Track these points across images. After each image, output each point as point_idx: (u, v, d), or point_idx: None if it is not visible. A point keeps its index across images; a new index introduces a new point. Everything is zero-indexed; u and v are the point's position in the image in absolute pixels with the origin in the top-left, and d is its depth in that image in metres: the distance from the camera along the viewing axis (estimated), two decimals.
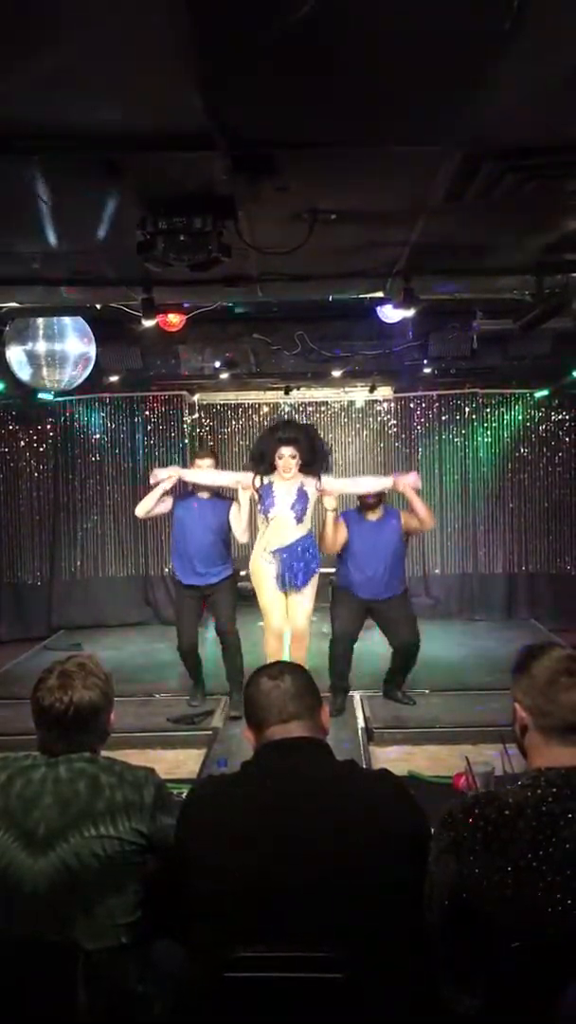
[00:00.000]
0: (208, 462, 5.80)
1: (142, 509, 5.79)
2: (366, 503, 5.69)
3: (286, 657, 5.18)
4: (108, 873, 1.91)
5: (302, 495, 5.34)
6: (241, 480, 5.54)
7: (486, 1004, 1.60)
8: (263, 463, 5.39)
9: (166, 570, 8.79)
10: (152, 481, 5.70)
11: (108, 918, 1.90)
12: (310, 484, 5.37)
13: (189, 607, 5.84)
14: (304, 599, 5.44)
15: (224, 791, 1.91)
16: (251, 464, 5.53)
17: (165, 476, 5.65)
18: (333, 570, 5.93)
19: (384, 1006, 1.67)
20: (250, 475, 5.47)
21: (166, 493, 5.70)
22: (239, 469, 9.14)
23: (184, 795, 2.02)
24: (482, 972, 1.61)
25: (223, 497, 5.83)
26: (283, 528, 5.35)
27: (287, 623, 5.46)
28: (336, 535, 5.56)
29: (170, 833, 1.97)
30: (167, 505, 5.79)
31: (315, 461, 5.38)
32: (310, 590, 5.46)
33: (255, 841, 1.75)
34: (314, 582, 5.49)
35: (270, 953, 1.63)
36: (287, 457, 5.29)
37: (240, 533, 5.66)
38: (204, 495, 5.79)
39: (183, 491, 5.99)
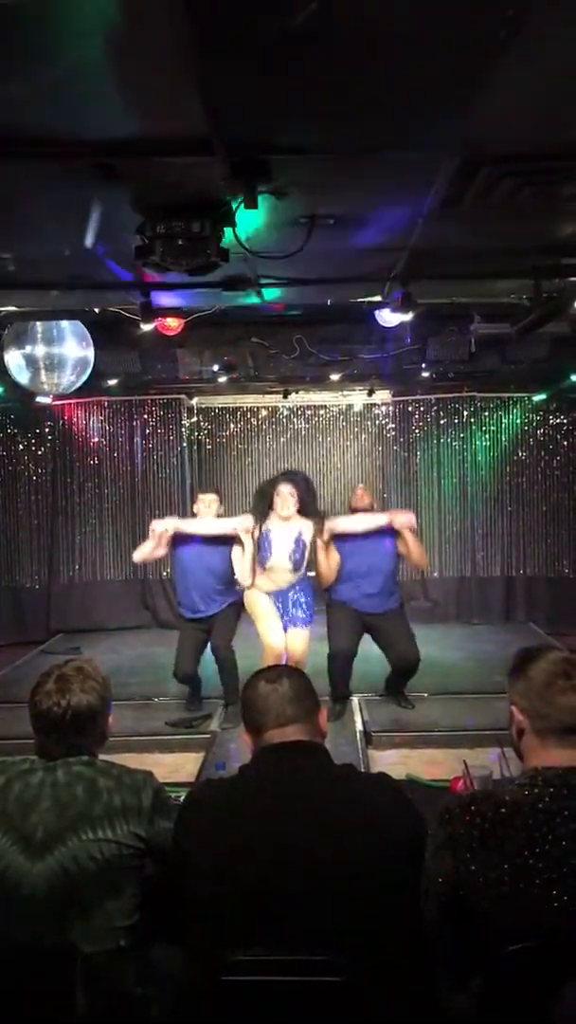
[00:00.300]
0: (211, 497, 5.78)
1: (139, 555, 5.81)
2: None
3: None
4: (106, 876, 1.91)
5: (299, 543, 5.37)
6: (239, 526, 5.49)
7: (483, 1002, 1.61)
8: (262, 502, 5.46)
9: (164, 574, 8.79)
10: (150, 533, 5.67)
11: (106, 921, 1.91)
12: (308, 531, 5.39)
13: (192, 638, 5.78)
14: (302, 629, 5.47)
15: (222, 795, 1.91)
16: (252, 509, 5.56)
17: (162, 529, 5.62)
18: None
19: (383, 1009, 1.67)
20: (250, 519, 5.46)
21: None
22: (237, 474, 9.25)
23: (182, 799, 2.02)
24: (478, 970, 1.61)
25: (224, 539, 5.67)
26: (280, 575, 5.38)
27: (284, 646, 5.46)
28: (329, 560, 5.55)
29: (168, 837, 1.98)
30: (164, 550, 5.74)
31: (312, 507, 5.47)
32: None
33: (253, 845, 1.75)
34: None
35: (268, 956, 1.63)
36: (285, 494, 5.35)
37: (244, 576, 5.54)
38: (198, 540, 5.71)
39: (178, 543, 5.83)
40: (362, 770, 3.82)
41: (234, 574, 5.58)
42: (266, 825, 1.77)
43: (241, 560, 5.50)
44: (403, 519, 5.64)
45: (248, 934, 1.68)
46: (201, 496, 5.84)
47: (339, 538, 5.58)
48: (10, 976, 1.80)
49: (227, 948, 1.65)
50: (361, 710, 5.82)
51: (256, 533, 5.38)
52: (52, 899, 1.87)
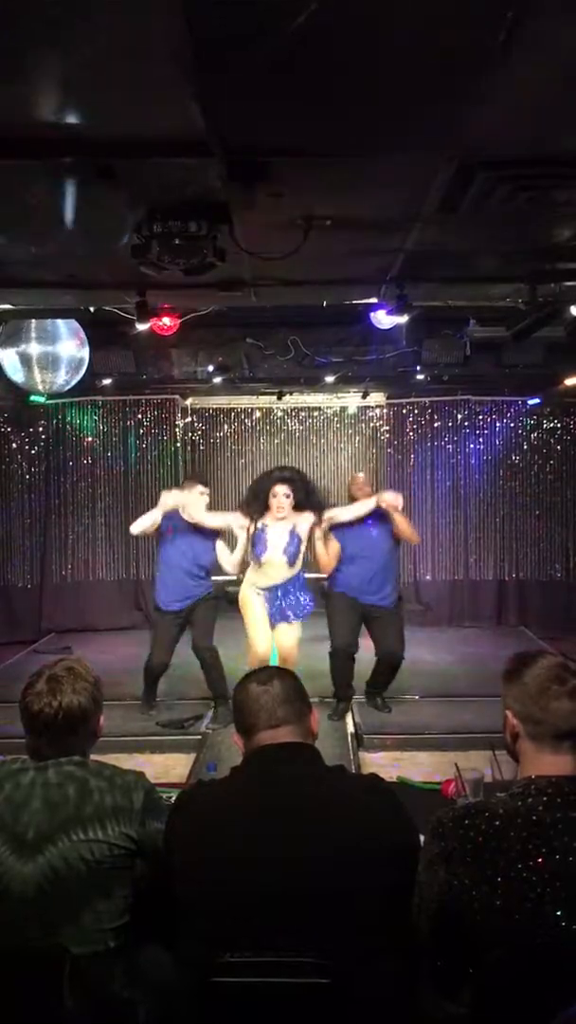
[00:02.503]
0: (206, 489, 5.73)
1: (138, 528, 5.72)
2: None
3: None
4: (96, 877, 1.90)
5: (294, 537, 5.32)
6: (235, 524, 5.46)
7: (471, 1013, 1.60)
8: (257, 501, 5.38)
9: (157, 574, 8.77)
10: (160, 504, 5.64)
11: (96, 922, 1.90)
12: (302, 524, 5.34)
13: (170, 631, 5.75)
14: (294, 627, 5.44)
15: (213, 797, 1.91)
16: (244, 506, 5.47)
17: (171, 504, 5.60)
18: (323, 575, 5.89)
19: (370, 1012, 1.67)
20: (242, 519, 5.41)
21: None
22: (230, 475, 9.25)
23: (173, 799, 2.02)
24: (469, 982, 1.61)
25: (212, 531, 5.67)
26: (274, 571, 5.34)
27: (275, 645, 5.45)
28: (328, 549, 5.56)
29: (159, 838, 1.97)
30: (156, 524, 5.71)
31: (308, 502, 5.40)
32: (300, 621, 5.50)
33: (243, 847, 1.75)
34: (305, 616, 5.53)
35: (257, 958, 1.62)
36: (281, 496, 5.27)
37: (231, 567, 5.56)
38: (188, 528, 5.69)
39: (169, 524, 5.79)
40: (353, 772, 3.81)
41: (213, 565, 5.64)
42: (256, 827, 1.77)
43: (226, 552, 5.54)
44: (389, 497, 5.66)
45: (236, 936, 1.68)
46: (198, 487, 5.72)
47: (337, 527, 5.60)
48: None
49: (216, 950, 1.64)
50: (353, 712, 5.82)
51: (251, 529, 5.35)
52: (42, 900, 1.86)
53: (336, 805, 1.80)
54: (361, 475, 6.48)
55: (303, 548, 5.39)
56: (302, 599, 5.40)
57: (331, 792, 1.84)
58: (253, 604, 5.40)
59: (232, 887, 1.72)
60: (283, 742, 1.89)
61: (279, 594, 5.37)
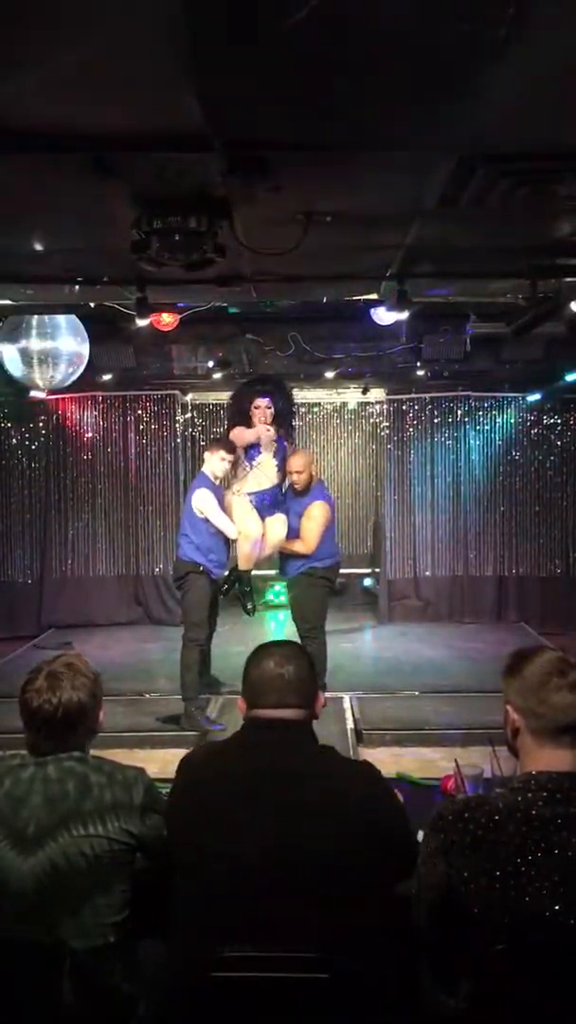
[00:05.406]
0: (222, 454, 5.69)
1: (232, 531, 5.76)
2: (294, 489, 5.70)
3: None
4: (96, 872, 1.91)
5: (281, 445, 5.75)
6: (229, 533, 5.65)
7: (470, 1007, 1.61)
8: (239, 415, 5.78)
9: (157, 570, 8.78)
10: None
11: (95, 917, 1.90)
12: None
13: (215, 596, 5.80)
14: (280, 520, 5.70)
15: (211, 772, 1.95)
16: (230, 421, 5.86)
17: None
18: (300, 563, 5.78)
19: (368, 1006, 1.67)
20: (235, 531, 5.62)
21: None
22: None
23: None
24: (467, 975, 1.62)
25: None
26: (265, 473, 5.66)
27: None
28: (320, 525, 5.58)
29: (159, 833, 1.98)
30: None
31: (288, 412, 5.84)
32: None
33: (235, 829, 1.78)
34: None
35: (255, 953, 1.63)
36: (263, 407, 5.64)
37: (245, 561, 5.76)
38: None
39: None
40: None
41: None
42: (249, 805, 1.80)
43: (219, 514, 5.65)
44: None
45: (232, 925, 1.70)
46: (221, 451, 5.70)
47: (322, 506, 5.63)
48: None
49: (213, 943, 1.65)
50: (352, 707, 5.82)
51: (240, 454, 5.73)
52: (42, 895, 1.87)
53: (331, 790, 1.83)
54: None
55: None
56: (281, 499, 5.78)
57: (324, 775, 1.88)
58: (241, 502, 5.69)
59: (223, 876, 1.74)
60: (283, 718, 1.93)
61: (267, 498, 5.70)
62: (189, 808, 1.89)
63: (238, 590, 5.85)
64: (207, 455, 5.80)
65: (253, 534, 5.64)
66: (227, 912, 1.73)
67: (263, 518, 5.69)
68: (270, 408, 5.65)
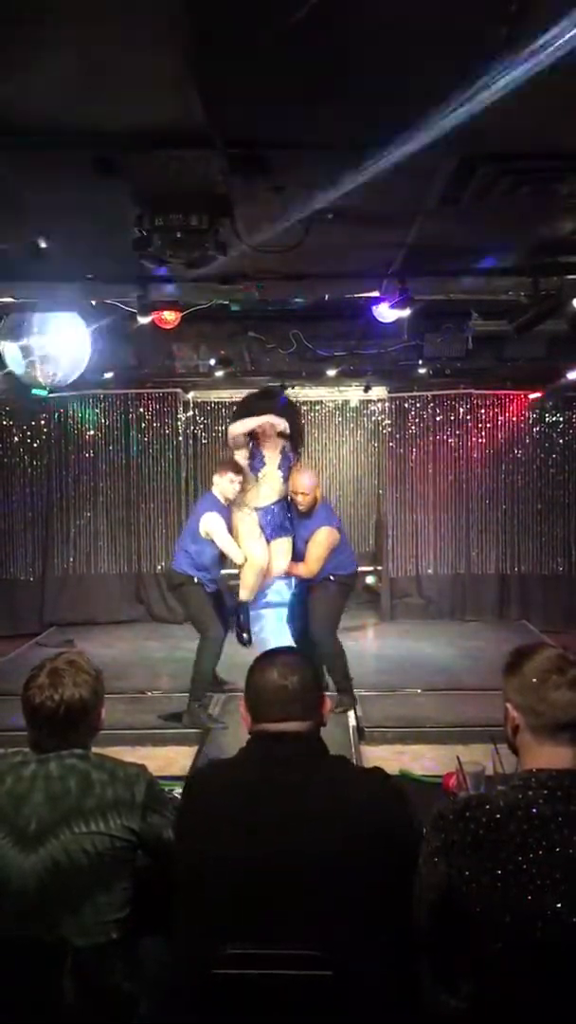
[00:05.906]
0: (231, 476, 5.70)
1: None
2: (298, 511, 5.71)
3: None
4: (98, 870, 1.91)
5: (286, 458, 5.73)
6: (235, 557, 5.69)
7: (472, 1006, 1.61)
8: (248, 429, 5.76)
9: (158, 568, 8.78)
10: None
11: (96, 915, 1.91)
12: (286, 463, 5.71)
13: (219, 603, 5.85)
14: (284, 547, 5.69)
15: (218, 785, 1.92)
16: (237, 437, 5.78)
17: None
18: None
19: (370, 1005, 1.67)
20: (242, 557, 5.65)
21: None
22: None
23: (175, 792, 2.03)
24: (468, 975, 1.62)
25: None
26: (270, 486, 5.64)
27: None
28: (325, 550, 5.56)
29: (160, 830, 1.99)
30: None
31: (295, 431, 5.87)
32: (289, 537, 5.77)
33: (243, 833, 1.76)
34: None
35: (257, 950, 1.63)
36: (269, 426, 5.67)
37: (245, 591, 5.78)
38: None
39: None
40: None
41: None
42: (257, 814, 1.78)
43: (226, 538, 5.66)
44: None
45: (235, 928, 1.69)
46: (229, 473, 5.70)
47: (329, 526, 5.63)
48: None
49: (216, 941, 1.65)
50: (354, 705, 5.82)
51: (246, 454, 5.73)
52: (43, 892, 1.87)
53: (337, 797, 1.81)
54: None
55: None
56: (289, 520, 5.75)
57: (332, 783, 1.85)
58: (248, 521, 5.67)
59: (230, 877, 1.73)
60: (286, 730, 1.89)
61: (272, 514, 5.68)
62: (197, 821, 1.87)
63: (242, 621, 5.83)
64: (216, 477, 5.78)
65: (259, 562, 5.62)
66: (229, 913, 1.72)
67: (268, 539, 5.67)
68: (275, 428, 5.69)
